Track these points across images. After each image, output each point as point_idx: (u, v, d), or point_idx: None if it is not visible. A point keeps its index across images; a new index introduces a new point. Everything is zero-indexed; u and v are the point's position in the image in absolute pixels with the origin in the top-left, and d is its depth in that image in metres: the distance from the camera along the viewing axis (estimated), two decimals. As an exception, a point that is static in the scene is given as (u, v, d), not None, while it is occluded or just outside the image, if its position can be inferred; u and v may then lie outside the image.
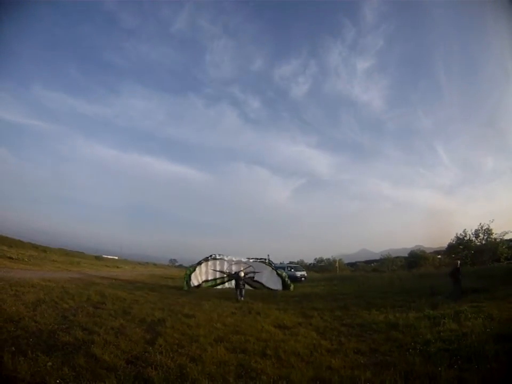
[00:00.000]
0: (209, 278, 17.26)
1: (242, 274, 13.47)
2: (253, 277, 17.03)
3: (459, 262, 13.14)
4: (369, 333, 7.24)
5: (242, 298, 12.50)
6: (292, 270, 28.62)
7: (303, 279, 27.70)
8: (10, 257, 21.69)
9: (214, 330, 6.97)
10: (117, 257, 64.79)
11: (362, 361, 5.10)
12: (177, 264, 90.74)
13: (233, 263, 17.27)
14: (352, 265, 62.71)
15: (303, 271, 30.14)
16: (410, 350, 5.53)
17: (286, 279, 17.92)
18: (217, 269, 17.34)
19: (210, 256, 17.18)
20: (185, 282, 16.42)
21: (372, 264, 59.60)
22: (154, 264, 76.34)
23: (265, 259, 18.09)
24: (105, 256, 59.17)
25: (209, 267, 17.24)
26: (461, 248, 28.43)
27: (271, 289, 17.00)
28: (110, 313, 8.35)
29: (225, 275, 17.31)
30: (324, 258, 64.91)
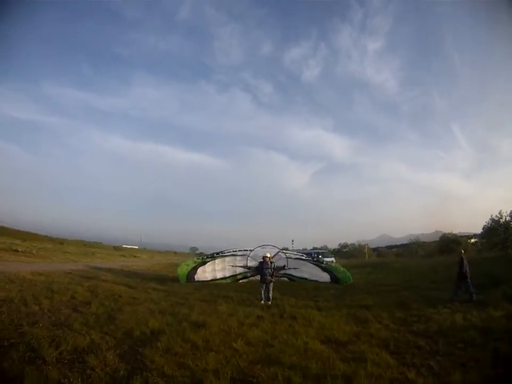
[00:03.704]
0: (227, 275, 14.62)
1: (268, 255, 9.81)
2: (284, 266, 13.99)
3: (463, 251, 10.19)
4: (460, 346, 4.86)
5: (270, 302, 9.04)
6: (320, 256, 25.74)
7: (331, 266, 25.03)
8: (15, 250, 20.29)
9: (232, 356, 4.27)
10: (136, 247, 64.65)
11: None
12: (197, 252, 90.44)
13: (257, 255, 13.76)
14: (374, 250, 60.21)
15: (331, 257, 27.24)
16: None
17: (340, 269, 15.07)
18: (239, 265, 14.72)
19: (229, 251, 14.74)
20: (186, 274, 13.57)
21: (393, 250, 57.45)
22: (175, 253, 75.71)
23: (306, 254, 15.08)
24: (125, 246, 58.91)
25: (227, 263, 14.63)
26: (502, 230, 24.90)
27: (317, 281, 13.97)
28: (87, 320, 5.94)
29: (247, 269, 14.50)
30: (349, 244, 62.21)
